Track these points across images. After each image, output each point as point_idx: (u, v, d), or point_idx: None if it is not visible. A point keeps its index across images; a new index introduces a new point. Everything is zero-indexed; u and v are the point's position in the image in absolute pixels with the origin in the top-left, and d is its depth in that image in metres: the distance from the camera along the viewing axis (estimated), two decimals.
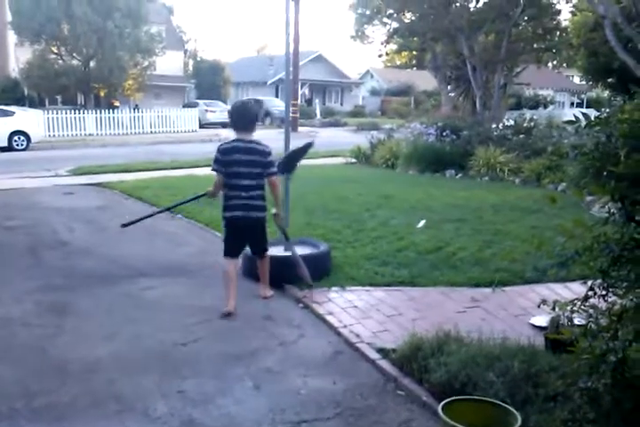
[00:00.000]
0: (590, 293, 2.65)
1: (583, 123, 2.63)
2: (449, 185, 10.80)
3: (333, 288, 5.13)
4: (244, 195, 4.60)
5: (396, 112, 39.74)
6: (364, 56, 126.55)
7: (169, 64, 33.25)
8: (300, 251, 5.49)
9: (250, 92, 44.27)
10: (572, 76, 47.13)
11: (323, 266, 5.43)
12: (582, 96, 46.52)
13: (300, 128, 27.27)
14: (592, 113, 2.73)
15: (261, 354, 3.96)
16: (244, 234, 4.82)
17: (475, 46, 16.62)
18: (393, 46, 25.37)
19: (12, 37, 29.22)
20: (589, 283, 2.65)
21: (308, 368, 3.76)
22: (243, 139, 4.62)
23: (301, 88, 36.44)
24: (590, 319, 2.59)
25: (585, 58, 23.65)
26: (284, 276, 5.22)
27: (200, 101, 33.43)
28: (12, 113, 19.35)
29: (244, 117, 4.63)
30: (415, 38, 20.90)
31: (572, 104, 46.42)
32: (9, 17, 27.99)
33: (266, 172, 4.61)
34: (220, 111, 32.44)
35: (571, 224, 2.66)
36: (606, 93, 30.35)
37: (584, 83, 36.58)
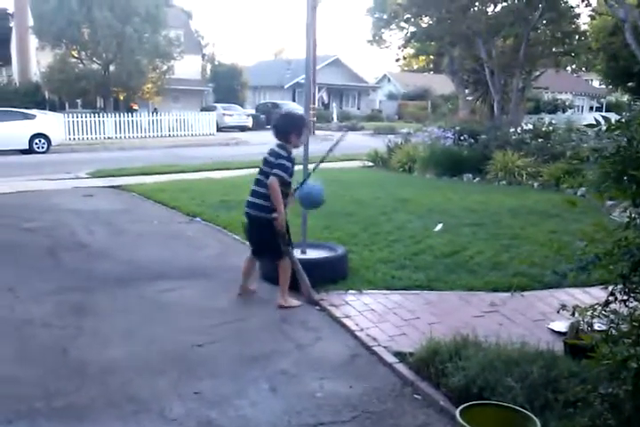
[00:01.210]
0: (611, 298, 2.62)
1: (604, 126, 2.61)
2: (466, 189, 10.75)
3: (350, 291, 5.13)
4: (253, 191, 4.88)
5: (413, 116, 39.69)
6: (381, 60, 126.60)
7: (187, 68, 33.51)
8: (318, 254, 5.50)
9: (267, 96, 44.48)
10: (592, 80, 46.79)
11: (340, 269, 5.43)
12: (601, 100, 46.17)
13: (317, 132, 27.32)
14: (612, 117, 2.71)
15: (278, 356, 3.96)
16: (249, 231, 5.05)
17: (493, 50, 16.54)
18: (410, 50, 25.38)
19: (33, 42, 29.65)
20: (610, 288, 2.63)
21: (324, 371, 3.76)
22: (278, 144, 4.93)
23: (318, 92, 36.50)
24: (611, 325, 2.57)
25: (604, 62, 23.49)
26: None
27: (218, 105, 33.62)
28: (34, 116, 19.62)
29: (276, 127, 4.96)
30: (432, 42, 20.87)
31: (592, 108, 46.04)
32: (31, 21, 28.39)
33: (270, 171, 4.74)
34: (237, 115, 32.67)
35: (591, 228, 2.64)
36: (626, 97, 30.09)
37: (603, 87, 36.32)
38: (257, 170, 4.95)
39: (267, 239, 4.83)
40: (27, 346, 4.16)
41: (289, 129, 4.86)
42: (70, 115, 23.97)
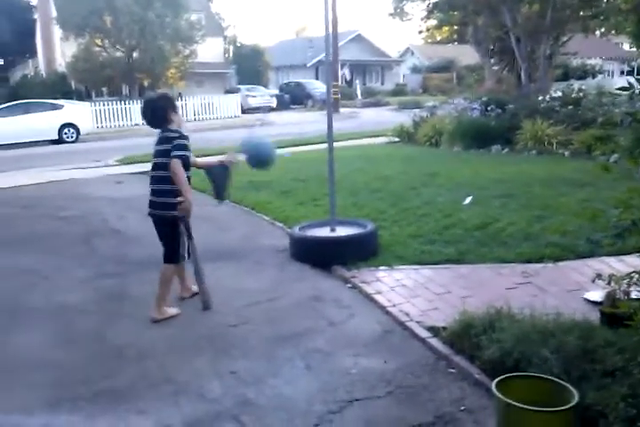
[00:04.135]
0: None
1: (637, 89, 2.53)
2: (495, 160, 10.59)
3: (381, 267, 5.11)
4: (151, 189, 4.42)
5: (438, 89, 39.12)
6: (404, 33, 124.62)
7: (209, 51, 33.42)
8: (347, 231, 5.49)
9: (290, 76, 44.25)
10: (622, 43, 45.36)
11: (370, 246, 5.41)
12: (632, 63, 44.81)
13: (341, 109, 27.14)
14: None
15: (311, 335, 3.99)
16: (157, 232, 4.50)
17: (518, 17, 16.11)
18: (433, 22, 24.79)
19: (57, 32, 29.92)
20: None
21: (358, 348, 3.77)
22: (161, 131, 4.39)
23: (341, 69, 36.15)
24: None
25: (635, 24, 22.69)
26: (331, 256, 5.23)
27: (241, 87, 33.61)
28: (61, 106, 19.89)
29: (147, 114, 4.39)
30: (456, 12, 20.37)
31: (622, 72, 44.81)
32: (54, 12, 28.61)
33: (168, 161, 4.18)
34: (260, 96, 32.68)
35: (626, 195, 2.58)
36: None
37: (634, 49, 35.19)
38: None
39: (167, 241, 4.43)
40: (66, 332, 4.27)
41: (160, 109, 4.32)
42: (97, 103, 24.22)
